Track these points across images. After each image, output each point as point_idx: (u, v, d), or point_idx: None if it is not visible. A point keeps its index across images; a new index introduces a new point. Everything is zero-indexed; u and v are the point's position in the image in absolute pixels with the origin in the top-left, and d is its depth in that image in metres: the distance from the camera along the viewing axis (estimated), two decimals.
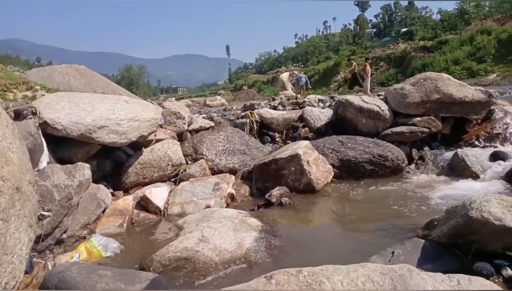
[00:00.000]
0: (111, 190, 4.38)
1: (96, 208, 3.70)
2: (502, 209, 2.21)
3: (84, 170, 3.46)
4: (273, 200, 4.16)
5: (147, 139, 4.74)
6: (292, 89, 15.49)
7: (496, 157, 4.90)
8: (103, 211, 3.81)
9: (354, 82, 16.92)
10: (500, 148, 5.14)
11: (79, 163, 3.53)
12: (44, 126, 3.75)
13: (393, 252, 2.50)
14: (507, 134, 5.38)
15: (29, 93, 11.80)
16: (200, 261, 2.68)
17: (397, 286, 1.27)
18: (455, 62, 23.12)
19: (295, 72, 16.44)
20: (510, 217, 2.15)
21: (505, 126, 5.53)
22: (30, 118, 3.62)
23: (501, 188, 4.16)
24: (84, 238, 3.40)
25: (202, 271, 2.63)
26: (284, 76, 16.28)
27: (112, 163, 4.72)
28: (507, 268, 2.20)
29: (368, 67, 14.23)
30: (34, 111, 3.68)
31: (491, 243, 2.29)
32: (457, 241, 2.44)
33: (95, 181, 4.07)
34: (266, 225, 3.35)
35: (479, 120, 5.84)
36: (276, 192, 4.27)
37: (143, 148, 4.84)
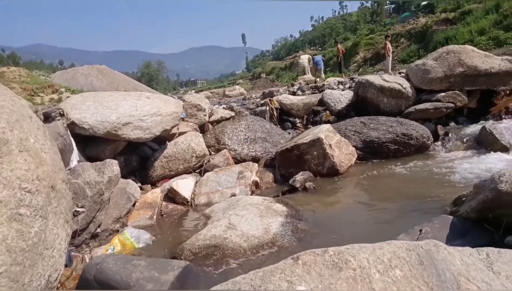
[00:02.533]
0: (139, 184, 4.52)
1: (126, 202, 3.84)
2: None
3: (112, 166, 3.59)
4: (297, 185, 4.19)
5: (170, 133, 4.85)
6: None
7: None
8: (133, 205, 3.95)
9: (341, 65, 16.55)
10: None
11: (108, 160, 3.66)
12: (72, 126, 3.90)
13: (420, 230, 2.48)
14: None
15: (55, 96, 12.18)
16: (229, 247, 2.75)
17: (423, 261, 1.27)
18: (480, 33, 22.05)
19: (310, 56, 15.89)
20: None
21: None
22: (59, 119, 3.77)
23: None
24: (117, 231, 3.54)
25: (231, 257, 2.70)
26: (305, 59, 15.66)
27: (139, 158, 4.86)
28: None
29: (388, 45, 13.72)
30: (61, 112, 3.83)
31: None
32: (487, 216, 2.40)
33: (124, 176, 4.21)
34: (291, 210, 3.38)
35: (508, 91, 5.62)
36: (299, 177, 4.28)
37: (167, 142, 4.95)
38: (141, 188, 4.50)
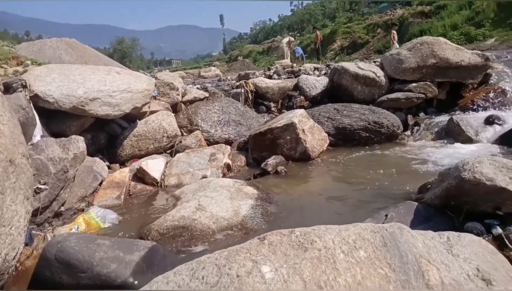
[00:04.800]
0: (107, 163, 4.39)
1: (92, 180, 3.72)
2: (494, 169, 2.23)
3: (78, 143, 3.45)
4: (269, 169, 4.19)
5: (141, 111, 4.71)
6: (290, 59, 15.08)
7: (491, 121, 4.91)
8: (100, 184, 3.84)
9: (319, 52, 16.66)
10: (495, 112, 5.13)
11: (73, 136, 3.52)
12: (36, 99, 3.70)
13: (386, 215, 2.54)
14: (502, 99, 5.36)
15: (20, 69, 11.58)
16: (197, 229, 2.73)
17: (387, 243, 1.29)
18: (453, 28, 22.68)
19: (292, 39, 15.76)
20: (502, 177, 2.17)
21: (501, 90, 5.50)
22: (20, 91, 3.56)
23: (495, 151, 4.19)
24: (82, 210, 3.44)
25: (199, 239, 2.68)
26: (284, 43, 15.52)
27: (107, 135, 4.70)
28: (497, 226, 2.24)
29: (394, 34, 13.93)
30: (24, 84, 3.62)
31: (482, 203, 2.32)
32: (449, 203, 2.48)
33: (91, 154, 4.07)
34: (262, 193, 3.39)
35: (475, 85, 5.81)
36: (272, 161, 4.29)
37: (137, 120, 4.81)
38: (109, 167, 4.38)
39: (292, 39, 15.37)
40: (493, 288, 1.24)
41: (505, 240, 2.09)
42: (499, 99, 5.40)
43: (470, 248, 1.42)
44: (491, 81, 5.72)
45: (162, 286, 1.24)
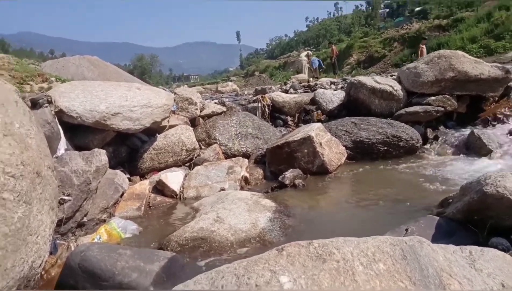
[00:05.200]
0: (127, 175, 4.48)
1: (114, 192, 3.80)
2: None
3: (100, 156, 3.56)
4: (287, 182, 4.19)
5: (160, 125, 4.82)
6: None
7: None
8: (121, 195, 3.92)
9: (335, 67, 16.56)
10: None
11: (96, 149, 3.63)
12: (60, 114, 3.84)
13: (406, 229, 2.51)
14: None
15: (45, 85, 11.96)
16: (216, 240, 2.75)
17: (407, 256, 1.29)
18: (472, 40, 22.39)
19: (310, 52, 15.65)
20: None
21: None
22: (46, 107, 3.71)
23: None
24: (104, 221, 3.52)
25: (218, 250, 2.70)
26: (303, 57, 15.35)
27: (128, 149, 4.82)
28: None
29: (423, 49, 13.21)
30: (49, 100, 3.78)
31: (507, 218, 2.27)
32: (472, 217, 2.43)
33: (112, 167, 4.18)
34: (280, 206, 3.40)
35: (496, 98, 5.71)
36: (289, 174, 4.29)
37: (157, 134, 4.92)
38: (129, 179, 4.47)
39: (310, 52, 15.25)
40: None
41: None
42: None
43: (494, 263, 1.40)
44: None
45: None
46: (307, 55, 14.78)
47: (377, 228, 2.80)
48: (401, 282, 1.21)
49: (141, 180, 4.56)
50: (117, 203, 3.84)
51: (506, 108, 5.46)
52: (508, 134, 4.88)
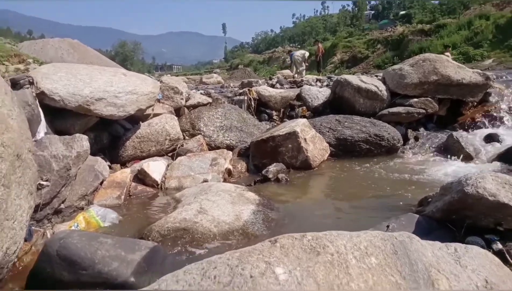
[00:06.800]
0: (108, 163, 4.38)
1: (94, 179, 3.70)
2: (496, 185, 2.26)
3: (82, 141, 3.45)
4: (270, 176, 4.20)
5: (144, 113, 4.72)
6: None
7: (490, 138, 4.98)
8: (101, 183, 3.83)
9: (319, 65, 16.66)
10: (495, 130, 5.20)
11: (77, 134, 3.51)
12: (42, 96, 3.69)
13: (388, 226, 2.55)
14: (502, 117, 5.43)
15: (21, 66, 11.51)
16: (199, 231, 2.72)
17: (397, 251, 1.31)
18: (452, 47, 23.03)
19: (307, 53, 15.04)
20: (504, 193, 2.21)
21: (500, 109, 5.58)
22: (27, 88, 3.56)
23: (494, 168, 4.23)
24: (82, 208, 3.42)
25: (200, 241, 2.67)
26: (299, 54, 14.79)
27: (110, 136, 4.70)
28: (497, 242, 2.27)
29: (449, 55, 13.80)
30: (31, 81, 3.62)
31: (484, 218, 2.34)
32: (451, 216, 2.50)
33: (93, 153, 4.06)
34: (263, 199, 3.39)
35: (475, 103, 5.89)
36: (273, 168, 4.30)
37: (140, 122, 4.81)
38: (110, 167, 4.36)
39: (307, 54, 14.51)
40: None
41: (506, 255, 2.11)
42: (498, 118, 5.47)
43: (478, 260, 1.44)
44: (491, 100, 5.80)
45: (172, 285, 1.23)
46: (303, 54, 14.41)
47: (359, 224, 2.84)
48: (392, 276, 1.22)
49: (122, 168, 4.46)
50: (96, 190, 3.75)
51: (484, 113, 5.64)
52: (484, 140, 5.05)
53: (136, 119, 4.76)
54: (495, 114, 5.53)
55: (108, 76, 4.19)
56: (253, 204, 3.21)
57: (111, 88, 4.05)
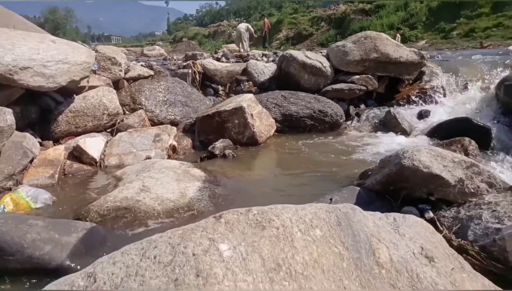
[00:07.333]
0: (38, 139, 4.02)
1: (22, 157, 3.38)
2: (430, 158, 2.41)
3: (5, 115, 3.12)
4: (217, 152, 4.14)
5: (79, 85, 4.35)
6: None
7: (423, 115, 5.32)
8: (31, 161, 3.50)
9: (265, 40, 16.85)
10: (427, 107, 5.55)
11: (0, 107, 3.15)
12: None
13: (331, 199, 2.63)
14: (433, 95, 5.81)
15: None
16: (141, 210, 2.60)
17: (341, 222, 1.33)
18: (390, 27, 24.10)
19: (250, 27, 14.80)
20: (437, 165, 2.35)
21: (432, 87, 5.96)
22: None
23: (426, 142, 4.54)
24: (10, 189, 3.12)
25: (143, 220, 2.56)
26: (243, 27, 14.39)
27: (39, 109, 4.28)
28: (429, 211, 2.43)
29: (399, 38, 15.17)
30: None
31: (418, 189, 2.49)
32: (389, 188, 2.63)
33: (20, 129, 3.69)
34: (210, 176, 3.33)
35: (411, 81, 6.22)
36: (219, 144, 4.24)
37: (74, 95, 4.44)
38: (41, 144, 4.01)
39: (251, 28, 14.30)
40: (435, 264, 1.34)
41: (437, 222, 2.28)
42: (430, 95, 5.85)
43: (414, 229, 1.52)
44: (425, 78, 6.16)
45: (108, 267, 1.15)
46: (247, 28, 14.12)
47: (303, 197, 2.90)
48: (336, 247, 1.24)
49: (55, 145, 4.11)
50: (26, 169, 3.43)
51: (418, 90, 5.99)
52: (418, 115, 5.39)
53: (70, 92, 4.38)
54: (428, 92, 5.89)
55: (34, 43, 3.76)
56: (199, 180, 3.14)
57: (38, 56, 3.65)
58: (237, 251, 1.10)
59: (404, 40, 21.54)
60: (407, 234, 1.45)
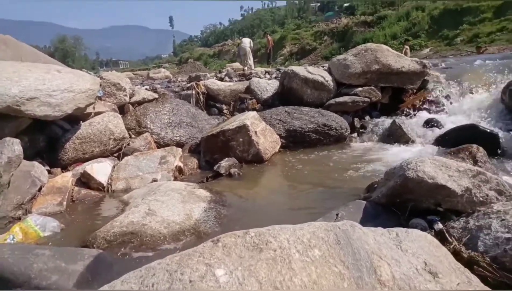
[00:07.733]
0: (47, 167, 4.07)
1: (30, 186, 3.43)
2: (434, 168, 2.38)
3: (13, 146, 3.18)
4: (222, 171, 4.15)
5: (84, 112, 4.43)
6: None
7: (428, 123, 5.28)
8: (39, 190, 3.55)
9: (269, 57, 17.00)
10: (432, 116, 5.52)
11: (8, 138, 3.23)
12: None
13: (337, 214, 2.60)
14: (438, 103, 5.78)
15: None
16: (148, 234, 2.60)
17: (340, 241, 1.31)
18: (393, 37, 24.24)
19: (251, 42, 14.89)
20: (442, 175, 2.32)
21: (436, 95, 5.94)
22: None
23: (433, 151, 4.49)
24: (19, 218, 3.15)
25: (150, 244, 2.56)
26: (246, 43, 14.33)
27: (47, 138, 4.36)
28: (438, 222, 2.38)
29: (407, 50, 14.84)
30: None
31: (425, 201, 2.45)
32: (395, 201, 2.59)
33: (28, 157, 3.76)
34: (215, 196, 3.33)
35: (415, 90, 6.21)
36: (224, 163, 4.25)
37: (81, 122, 4.52)
38: (49, 172, 4.06)
39: (252, 43, 14.37)
40: (439, 280, 1.30)
41: (446, 234, 2.23)
42: (435, 103, 5.82)
43: (417, 243, 1.49)
44: (429, 87, 6.14)
45: None
46: (250, 42, 14.20)
47: (311, 214, 2.89)
48: (335, 267, 1.22)
49: (63, 172, 4.17)
50: (34, 198, 3.47)
51: (422, 99, 5.97)
52: (424, 124, 5.35)
53: (76, 119, 4.47)
54: (432, 99, 5.87)
55: (40, 74, 3.86)
56: (204, 201, 3.14)
57: (43, 86, 3.74)
58: (234, 276, 1.09)
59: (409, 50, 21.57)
60: (409, 250, 1.42)
